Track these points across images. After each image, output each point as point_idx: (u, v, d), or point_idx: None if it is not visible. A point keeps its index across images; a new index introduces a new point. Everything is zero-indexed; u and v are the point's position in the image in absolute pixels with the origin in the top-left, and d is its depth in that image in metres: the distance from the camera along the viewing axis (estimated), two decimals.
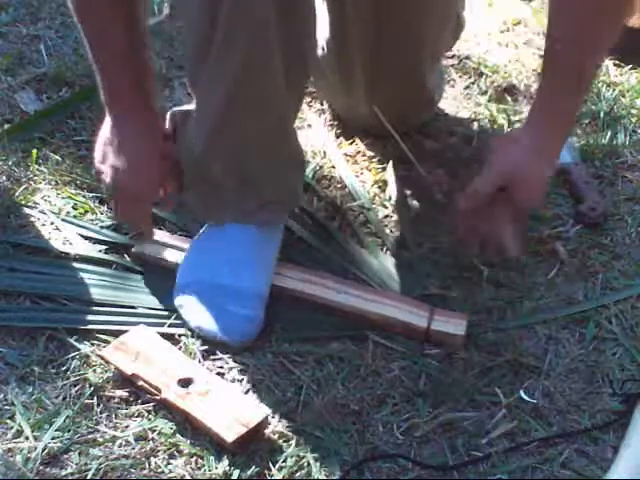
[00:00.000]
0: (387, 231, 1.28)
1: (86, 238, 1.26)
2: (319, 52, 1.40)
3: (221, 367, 1.08)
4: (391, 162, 1.39)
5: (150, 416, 1.02)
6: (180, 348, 1.10)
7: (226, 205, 1.16)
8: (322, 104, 1.52)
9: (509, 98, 1.56)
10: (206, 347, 1.10)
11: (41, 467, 0.96)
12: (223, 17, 1.00)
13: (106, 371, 1.06)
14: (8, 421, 1.01)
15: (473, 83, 1.59)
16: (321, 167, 1.40)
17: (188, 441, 0.99)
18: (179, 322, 1.13)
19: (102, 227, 1.28)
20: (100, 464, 0.97)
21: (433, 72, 1.40)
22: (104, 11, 1.07)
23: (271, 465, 0.97)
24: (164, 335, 1.10)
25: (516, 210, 1.12)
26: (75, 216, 1.30)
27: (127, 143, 1.12)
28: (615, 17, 1.06)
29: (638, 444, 0.97)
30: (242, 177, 1.14)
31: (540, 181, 1.11)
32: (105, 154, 1.14)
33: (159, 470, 0.97)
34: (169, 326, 1.12)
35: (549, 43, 1.08)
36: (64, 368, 1.07)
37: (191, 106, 1.13)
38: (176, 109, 1.18)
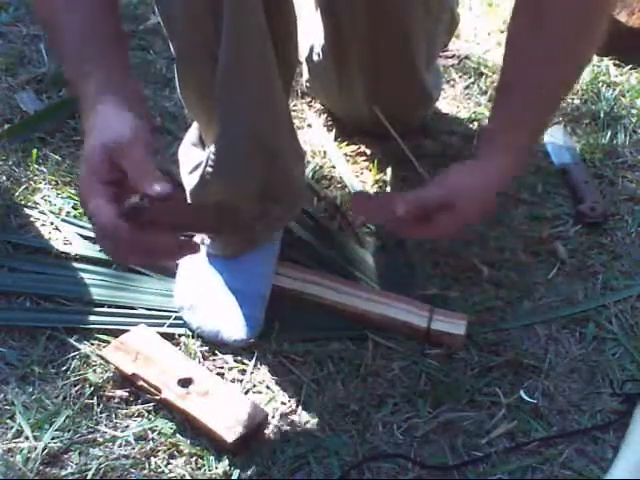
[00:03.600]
0: (387, 231, 1.28)
1: (86, 238, 1.26)
2: (316, 57, 1.40)
3: (221, 367, 1.08)
4: (391, 162, 1.39)
5: (150, 416, 1.02)
6: (180, 348, 1.10)
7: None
8: (322, 104, 1.52)
9: None
10: (206, 347, 1.10)
11: (41, 467, 0.96)
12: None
13: (106, 371, 1.06)
14: (8, 421, 1.01)
15: (473, 83, 1.60)
16: (321, 167, 1.40)
17: (188, 441, 0.99)
18: (179, 322, 1.13)
19: None
20: (100, 464, 0.97)
21: (430, 69, 1.40)
22: None
23: (271, 465, 0.97)
24: (164, 335, 1.10)
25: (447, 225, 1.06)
26: (75, 216, 1.30)
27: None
28: (570, 62, 1.06)
29: (638, 444, 0.97)
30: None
31: (482, 206, 1.06)
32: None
33: (159, 470, 0.97)
34: (169, 326, 1.13)
35: (501, 84, 1.09)
36: (64, 368, 1.07)
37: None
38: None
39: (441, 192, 1.02)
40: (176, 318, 1.13)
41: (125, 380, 1.05)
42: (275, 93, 1.06)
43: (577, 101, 1.55)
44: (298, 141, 1.19)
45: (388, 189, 1.35)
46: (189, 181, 1.15)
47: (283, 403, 1.04)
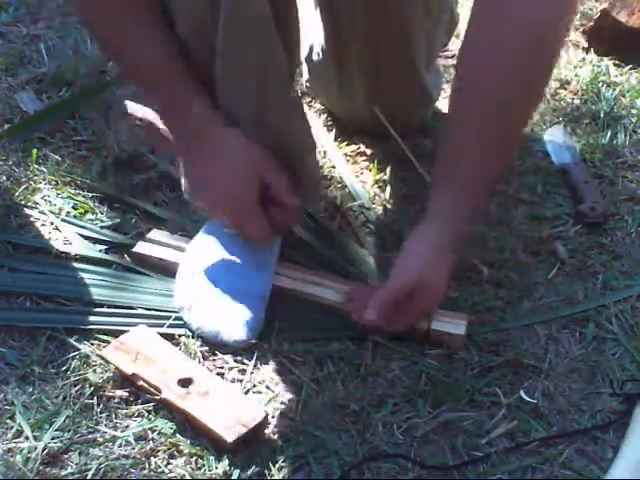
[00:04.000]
0: (387, 231, 1.28)
1: (86, 238, 1.26)
2: (316, 57, 1.40)
3: (221, 367, 1.08)
4: (391, 162, 1.39)
5: (150, 416, 1.02)
6: (180, 348, 1.10)
7: None
8: (322, 104, 1.52)
9: None
10: (206, 347, 1.10)
11: (41, 467, 0.96)
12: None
13: (106, 371, 1.06)
14: (8, 421, 1.01)
15: None
16: (321, 167, 1.40)
17: (188, 441, 0.99)
18: (179, 322, 1.13)
19: (102, 227, 1.28)
20: (100, 464, 0.97)
21: (430, 69, 1.40)
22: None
23: (271, 465, 0.97)
24: (164, 335, 1.10)
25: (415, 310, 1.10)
26: (75, 216, 1.30)
27: (226, 154, 1.09)
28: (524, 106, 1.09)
29: (638, 444, 0.97)
30: None
31: (442, 288, 1.10)
32: (202, 182, 1.11)
33: (159, 470, 0.97)
34: (169, 326, 1.12)
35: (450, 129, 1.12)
36: (64, 368, 1.07)
37: None
38: None
39: (401, 289, 1.07)
40: (176, 318, 1.13)
41: (125, 380, 1.05)
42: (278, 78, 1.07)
43: (577, 101, 1.55)
44: (310, 132, 1.19)
45: (388, 189, 1.35)
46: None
47: (283, 403, 1.04)
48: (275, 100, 1.08)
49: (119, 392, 1.04)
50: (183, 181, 1.15)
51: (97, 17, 1.07)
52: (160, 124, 1.15)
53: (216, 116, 1.08)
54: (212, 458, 0.97)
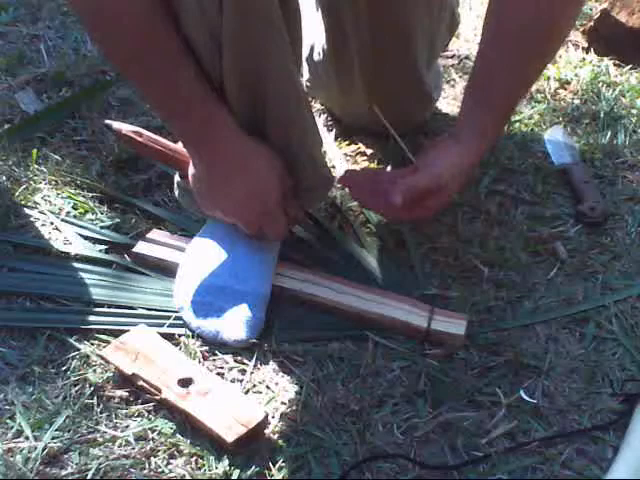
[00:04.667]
0: (387, 231, 1.28)
1: (86, 238, 1.26)
2: (316, 56, 1.40)
3: (221, 367, 1.08)
4: (391, 162, 1.39)
5: (150, 416, 1.02)
6: (180, 348, 1.10)
7: None
8: (322, 104, 1.52)
9: None
10: (206, 347, 1.10)
11: (41, 467, 0.96)
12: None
13: (106, 371, 1.06)
14: (8, 421, 1.01)
15: None
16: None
17: (188, 441, 0.99)
18: (179, 322, 1.13)
19: (102, 227, 1.28)
20: (100, 464, 0.97)
21: (431, 70, 1.40)
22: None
23: (271, 465, 0.97)
24: (164, 335, 1.10)
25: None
26: (75, 216, 1.30)
27: (249, 162, 1.10)
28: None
29: (638, 444, 0.97)
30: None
31: (453, 193, 1.19)
32: (217, 194, 1.12)
33: (159, 470, 0.97)
34: (169, 326, 1.13)
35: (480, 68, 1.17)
36: (64, 368, 1.07)
37: None
38: None
39: (430, 182, 1.14)
40: (176, 318, 1.13)
41: (125, 380, 1.05)
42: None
43: (577, 101, 1.55)
44: (317, 128, 1.19)
45: None
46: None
47: (283, 403, 1.04)
48: (282, 90, 1.08)
49: (119, 392, 1.04)
50: (195, 191, 1.14)
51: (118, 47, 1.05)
52: (154, 137, 1.16)
53: (230, 119, 1.07)
54: (212, 458, 0.97)
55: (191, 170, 1.12)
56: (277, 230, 1.16)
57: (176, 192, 1.24)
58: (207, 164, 1.10)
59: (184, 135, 1.09)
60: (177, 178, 1.23)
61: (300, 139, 1.13)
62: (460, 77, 1.61)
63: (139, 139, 1.15)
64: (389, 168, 1.38)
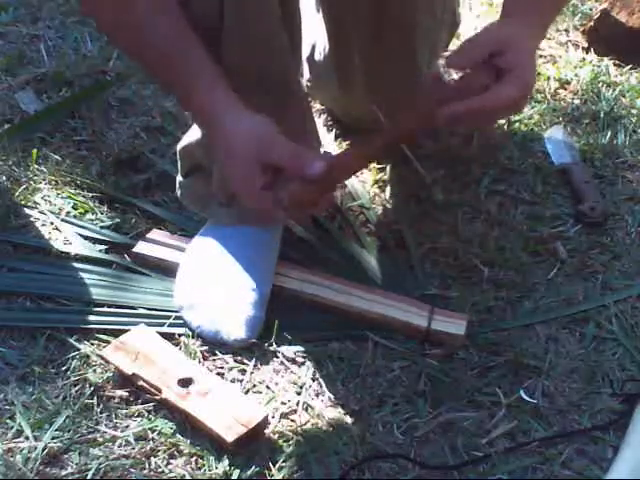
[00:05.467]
0: (387, 231, 1.28)
1: (86, 238, 1.26)
2: (317, 56, 1.40)
3: (221, 367, 1.08)
4: (391, 162, 1.39)
5: (150, 416, 1.02)
6: (180, 348, 1.10)
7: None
8: (322, 104, 1.52)
9: None
10: (206, 347, 1.10)
11: (41, 467, 0.96)
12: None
13: (106, 371, 1.06)
14: (8, 421, 1.01)
15: None
16: None
17: (188, 441, 0.99)
18: (179, 322, 1.13)
19: (102, 227, 1.28)
20: (100, 464, 0.97)
21: (432, 70, 1.40)
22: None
23: (271, 465, 0.97)
24: (164, 335, 1.10)
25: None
26: (75, 216, 1.30)
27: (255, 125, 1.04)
28: None
29: (638, 444, 0.97)
30: None
31: (532, 58, 1.06)
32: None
33: (159, 470, 0.97)
34: (169, 326, 1.12)
35: None
36: (64, 368, 1.07)
37: None
38: None
39: (491, 39, 1.03)
40: (176, 318, 1.13)
41: (125, 380, 1.05)
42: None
43: (577, 101, 1.55)
44: (317, 133, 1.20)
45: (388, 189, 1.35)
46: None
47: (283, 403, 1.04)
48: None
49: (119, 392, 1.04)
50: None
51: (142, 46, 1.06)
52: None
53: (235, 100, 1.04)
54: (212, 458, 0.97)
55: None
56: (261, 214, 1.10)
57: (178, 192, 1.25)
58: (211, 144, 1.09)
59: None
60: (179, 178, 1.23)
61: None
62: None
63: None
64: (389, 169, 1.38)
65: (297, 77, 1.13)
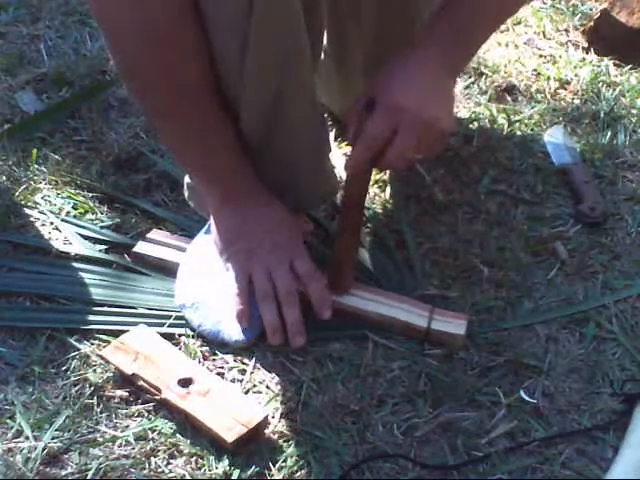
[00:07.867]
0: (387, 231, 1.28)
1: (86, 238, 1.26)
2: None
3: (221, 367, 1.08)
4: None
5: (150, 416, 1.02)
6: (180, 348, 1.10)
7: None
8: (322, 104, 1.52)
9: (509, 98, 1.56)
10: (206, 347, 1.10)
11: (41, 467, 0.96)
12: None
13: (106, 371, 1.06)
14: (8, 421, 1.01)
15: (473, 83, 1.60)
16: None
17: (188, 441, 0.99)
18: (179, 322, 1.13)
19: (102, 227, 1.28)
20: (100, 464, 0.97)
21: None
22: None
23: (271, 465, 0.97)
24: (164, 335, 1.10)
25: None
26: (75, 216, 1.30)
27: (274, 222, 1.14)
28: None
29: (638, 444, 0.97)
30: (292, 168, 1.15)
31: (449, 121, 1.05)
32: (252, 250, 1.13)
33: (159, 470, 0.97)
34: (169, 326, 1.13)
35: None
36: (64, 368, 1.07)
37: None
38: None
39: (384, 120, 1.04)
40: (176, 318, 1.13)
41: (125, 380, 1.05)
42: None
43: (577, 101, 1.55)
44: (328, 138, 1.21)
45: (388, 189, 1.35)
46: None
47: (283, 403, 1.04)
48: (300, 109, 1.08)
49: (119, 392, 1.04)
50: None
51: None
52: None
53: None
54: (212, 458, 0.97)
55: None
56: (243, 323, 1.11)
57: (186, 193, 1.24)
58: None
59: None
60: (187, 179, 1.23)
61: (310, 153, 1.14)
62: (460, 77, 1.61)
63: None
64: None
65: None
